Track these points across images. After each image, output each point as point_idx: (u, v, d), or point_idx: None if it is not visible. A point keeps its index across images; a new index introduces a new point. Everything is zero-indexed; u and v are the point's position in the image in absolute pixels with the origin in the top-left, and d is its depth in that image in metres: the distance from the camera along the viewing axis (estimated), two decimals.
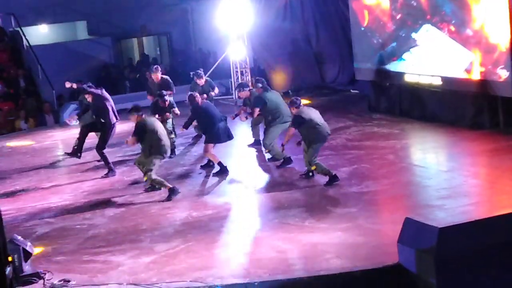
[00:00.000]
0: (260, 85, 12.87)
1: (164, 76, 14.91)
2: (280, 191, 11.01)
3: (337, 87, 19.18)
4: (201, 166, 12.78)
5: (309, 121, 11.05)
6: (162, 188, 11.35)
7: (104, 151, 12.82)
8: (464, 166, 11.53)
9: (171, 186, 11.24)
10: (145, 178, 11.32)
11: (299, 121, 11.10)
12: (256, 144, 13.73)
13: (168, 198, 11.05)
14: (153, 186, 11.54)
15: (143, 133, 11.23)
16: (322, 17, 19.51)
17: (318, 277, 7.62)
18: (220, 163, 12.16)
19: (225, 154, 12.80)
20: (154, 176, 11.23)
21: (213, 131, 12.08)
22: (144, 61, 24.81)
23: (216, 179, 12.01)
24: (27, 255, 8.25)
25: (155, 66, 15.27)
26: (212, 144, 12.16)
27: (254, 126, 13.73)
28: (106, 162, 12.81)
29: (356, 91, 18.38)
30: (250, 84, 15.33)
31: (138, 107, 11.55)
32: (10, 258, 6.47)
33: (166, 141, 11.38)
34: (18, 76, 21.62)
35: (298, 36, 19.90)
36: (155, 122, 11.49)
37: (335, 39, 19.41)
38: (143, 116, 11.45)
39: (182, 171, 12.72)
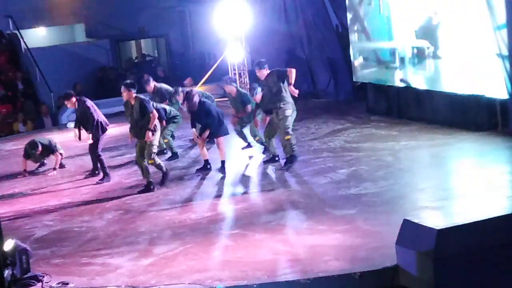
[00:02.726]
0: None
1: (158, 85, 14.78)
2: (278, 193, 11.01)
3: (327, 96, 19.01)
4: (197, 169, 12.73)
5: None
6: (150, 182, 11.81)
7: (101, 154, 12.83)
8: (462, 168, 11.55)
9: (152, 180, 11.74)
10: (150, 162, 11.60)
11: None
12: (248, 146, 13.80)
13: (144, 191, 11.61)
14: (148, 187, 11.70)
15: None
16: (316, 21, 19.43)
17: (317, 279, 7.62)
18: (223, 162, 12.20)
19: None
20: (157, 160, 11.82)
21: (218, 123, 12.21)
22: (143, 61, 24.85)
23: (215, 181, 12.02)
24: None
25: (146, 78, 14.87)
26: (223, 137, 12.31)
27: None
28: (103, 166, 12.79)
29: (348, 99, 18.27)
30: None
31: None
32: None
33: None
34: (16, 78, 21.64)
35: (294, 40, 19.87)
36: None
37: (329, 44, 19.30)
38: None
39: (180, 173, 12.73)
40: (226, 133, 12.39)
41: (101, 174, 12.80)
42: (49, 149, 13.87)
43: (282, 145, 12.06)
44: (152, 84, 14.65)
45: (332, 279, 7.61)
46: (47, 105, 20.66)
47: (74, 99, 12.85)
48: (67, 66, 22.55)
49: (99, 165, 12.84)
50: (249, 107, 13.12)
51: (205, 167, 12.57)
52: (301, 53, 19.71)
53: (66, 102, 13.15)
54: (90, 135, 12.60)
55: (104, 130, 12.76)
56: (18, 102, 20.87)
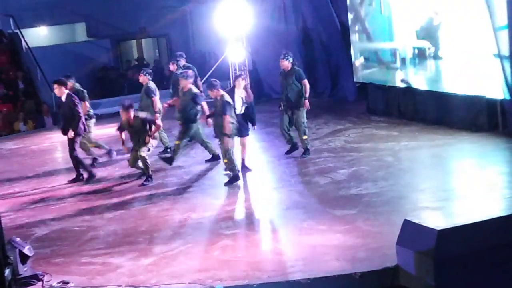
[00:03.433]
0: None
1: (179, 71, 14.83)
2: (279, 193, 11.02)
3: (327, 96, 18.97)
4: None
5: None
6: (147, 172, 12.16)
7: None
8: (463, 168, 11.54)
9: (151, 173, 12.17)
10: (141, 154, 11.99)
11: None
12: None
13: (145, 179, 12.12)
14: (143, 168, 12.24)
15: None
16: (316, 21, 19.38)
17: (317, 279, 7.62)
18: (243, 160, 12.41)
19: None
20: (147, 158, 12.20)
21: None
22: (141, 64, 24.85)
23: (215, 181, 12.02)
24: (25, 257, 8.24)
25: (179, 53, 15.28)
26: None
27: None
28: (84, 166, 12.76)
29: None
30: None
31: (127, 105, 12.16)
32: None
33: None
34: (17, 78, 21.65)
35: (294, 40, 19.84)
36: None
37: (329, 45, 19.26)
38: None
39: (180, 173, 12.73)
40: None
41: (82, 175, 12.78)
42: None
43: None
44: (182, 63, 14.99)
45: (333, 279, 7.61)
46: (48, 104, 20.67)
47: (66, 89, 12.53)
48: (68, 66, 22.52)
49: (80, 166, 12.72)
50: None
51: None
52: (301, 53, 19.68)
53: (56, 86, 12.44)
54: (72, 132, 12.38)
55: (80, 133, 12.65)
56: (19, 102, 20.88)
